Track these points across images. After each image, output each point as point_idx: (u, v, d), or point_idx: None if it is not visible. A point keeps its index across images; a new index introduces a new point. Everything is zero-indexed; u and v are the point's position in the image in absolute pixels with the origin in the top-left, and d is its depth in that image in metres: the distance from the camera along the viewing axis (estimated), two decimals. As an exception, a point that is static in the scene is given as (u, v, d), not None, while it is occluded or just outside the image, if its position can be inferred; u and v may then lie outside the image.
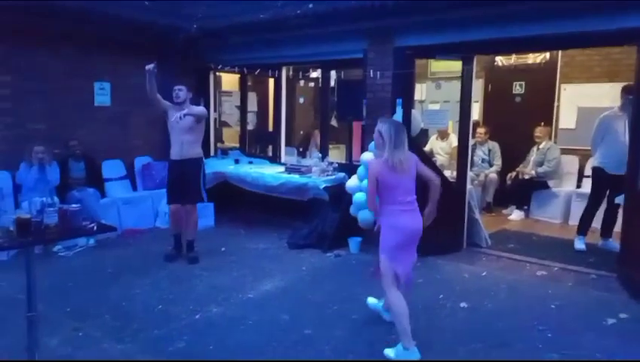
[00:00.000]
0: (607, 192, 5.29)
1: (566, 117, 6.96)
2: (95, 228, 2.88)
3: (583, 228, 5.38)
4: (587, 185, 5.98)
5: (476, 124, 7.10)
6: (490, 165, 7.17)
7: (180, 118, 4.61)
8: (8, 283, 4.30)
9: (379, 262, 3.24)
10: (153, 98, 4.79)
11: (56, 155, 5.71)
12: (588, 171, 6.17)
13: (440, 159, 7.03)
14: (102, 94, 6.44)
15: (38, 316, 2.80)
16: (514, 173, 7.03)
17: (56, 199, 3.43)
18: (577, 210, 5.96)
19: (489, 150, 7.20)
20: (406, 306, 3.12)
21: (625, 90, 5.18)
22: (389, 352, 3.13)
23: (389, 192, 3.16)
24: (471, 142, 7.08)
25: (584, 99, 6.70)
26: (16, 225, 2.53)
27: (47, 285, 4.23)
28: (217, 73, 7.68)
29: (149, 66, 4.58)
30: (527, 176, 6.84)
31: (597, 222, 5.43)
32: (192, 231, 5.07)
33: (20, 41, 5.65)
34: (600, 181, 5.30)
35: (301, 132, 8.33)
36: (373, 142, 5.11)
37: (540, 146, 6.82)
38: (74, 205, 2.86)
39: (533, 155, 6.87)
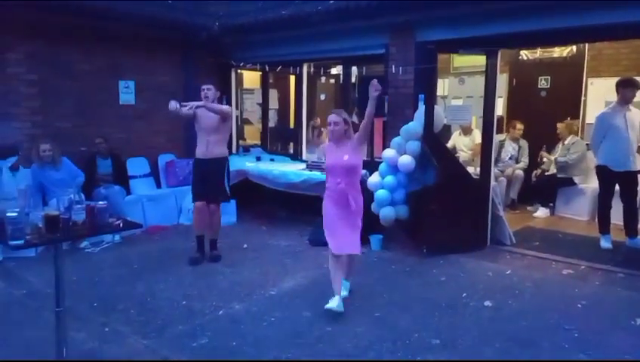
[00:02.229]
0: (619, 189, 5.18)
1: (593, 111, 6.76)
2: (121, 224, 2.93)
3: (603, 227, 5.26)
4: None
5: (500, 119, 7.00)
6: (517, 162, 7.07)
7: (190, 108, 4.71)
8: (37, 278, 4.42)
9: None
10: (179, 116, 4.92)
11: (83, 153, 5.82)
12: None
13: (463, 155, 6.95)
14: (126, 92, 6.54)
15: (65, 311, 2.86)
16: (539, 171, 6.92)
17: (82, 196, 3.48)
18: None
19: (519, 147, 7.10)
20: None
21: (621, 85, 5.06)
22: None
23: None
24: (501, 137, 7.03)
25: (611, 93, 6.52)
26: (45, 222, 2.58)
27: (75, 280, 4.34)
28: (239, 70, 7.72)
29: (173, 107, 4.67)
30: (547, 172, 6.76)
31: (621, 220, 5.28)
32: (215, 231, 5.09)
33: (47, 40, 5.78)
34: (606, 179, 5.20)
35: (322, 129, 8.31)
36: (395, 138, 5.13)
37: (565, 142, 6.69)
38: (100, 202, 2.91)
39: (558, 152, 6.74)
